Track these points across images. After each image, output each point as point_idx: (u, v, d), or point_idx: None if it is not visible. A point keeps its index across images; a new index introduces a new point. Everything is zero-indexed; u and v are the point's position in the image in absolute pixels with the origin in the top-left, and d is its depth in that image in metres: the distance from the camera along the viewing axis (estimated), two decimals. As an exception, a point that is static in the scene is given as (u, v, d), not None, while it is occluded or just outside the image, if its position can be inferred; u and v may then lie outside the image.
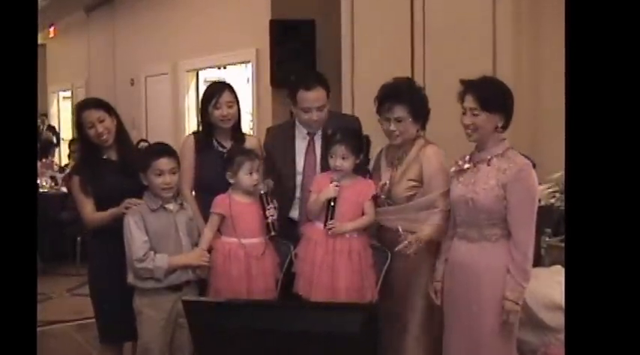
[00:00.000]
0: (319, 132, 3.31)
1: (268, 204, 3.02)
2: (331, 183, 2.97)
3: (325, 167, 3.13)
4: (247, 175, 3.04)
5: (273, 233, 3.03)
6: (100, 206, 3.14)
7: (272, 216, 3.01)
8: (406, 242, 2.78)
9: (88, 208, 3.16)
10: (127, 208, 3.02)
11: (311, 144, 3.32)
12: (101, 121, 3.18)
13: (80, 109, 3.26)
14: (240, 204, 3.06)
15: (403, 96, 2.96)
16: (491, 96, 2.70)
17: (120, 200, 3.05)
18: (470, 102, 2.70)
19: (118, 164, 3.22)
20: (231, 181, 3.07)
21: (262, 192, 3.03)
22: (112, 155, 3.25)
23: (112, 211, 3.09)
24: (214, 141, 3.34)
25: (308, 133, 3.32)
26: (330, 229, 2.93)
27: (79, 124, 3.23)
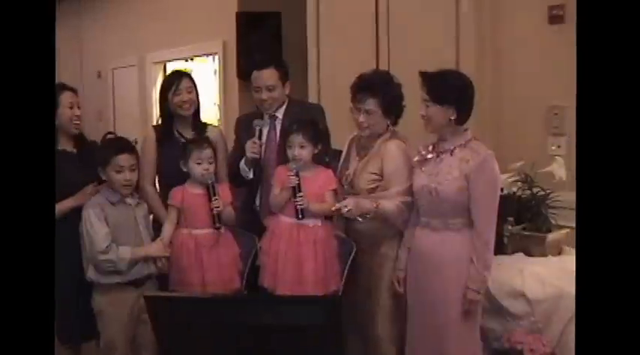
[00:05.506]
0: (280, 118, 3.30)
1: (215, 195, 3.01)
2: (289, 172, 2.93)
3: (282, 153, 3.11)
4: (196, 164, 3.04)
5: (217, 225, 3.02)
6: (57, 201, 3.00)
7: (217, 207, 3.01)
8: (345, 203, 2.79)
9: None
10: (89, 193, 2.97)
11: (272, 130, 3.31)
12: (78, 106, 3.14)
13: (59, 90, 3.09)
14: (192, 195, 3.06)
15: (377, 89, 2.92)
16: (442, 89, 2.70)
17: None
18: (423, 93, 2.73)
19: (76, 156, 3.14)
20: (184, 170, 3.08)
21: (209, 182, 3.02)
22: (68, 146, 3.15)
23: (65, 203, 2.98)
24: (175, 131, 3.30)
25: (270, 118, 3.30)
26: (300, 205, 2.88)
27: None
